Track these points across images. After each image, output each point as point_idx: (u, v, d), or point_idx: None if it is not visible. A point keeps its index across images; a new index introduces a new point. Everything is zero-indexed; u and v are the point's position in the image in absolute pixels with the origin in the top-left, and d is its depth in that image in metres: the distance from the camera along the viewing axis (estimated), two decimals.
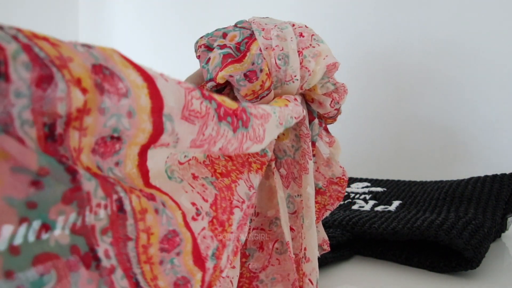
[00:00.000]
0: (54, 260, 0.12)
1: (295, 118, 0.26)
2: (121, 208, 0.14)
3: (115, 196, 0.14)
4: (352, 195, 0.52)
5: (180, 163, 0.19)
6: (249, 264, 0.28)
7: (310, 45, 0.29)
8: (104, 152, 0.13)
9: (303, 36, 0.29)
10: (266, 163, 0.26)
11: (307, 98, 0.31)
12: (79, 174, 0.12)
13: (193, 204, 0.18)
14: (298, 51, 0.28)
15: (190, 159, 0.20)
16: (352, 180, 0.58)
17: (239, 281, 0.28)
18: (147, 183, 0.16)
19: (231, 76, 0.27)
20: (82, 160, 0.13)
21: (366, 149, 0.68)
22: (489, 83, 0.58)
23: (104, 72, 0.12)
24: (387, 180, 0.57)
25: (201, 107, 0.16)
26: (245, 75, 0.27)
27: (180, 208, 0.17)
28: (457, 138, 0.60)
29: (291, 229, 0.29)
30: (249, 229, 0.28)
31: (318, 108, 0.31)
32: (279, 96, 0.28)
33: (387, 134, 0.66)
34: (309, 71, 0.28)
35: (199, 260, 0.18)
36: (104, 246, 0.14)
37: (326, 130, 0.34)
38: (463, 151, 0.60)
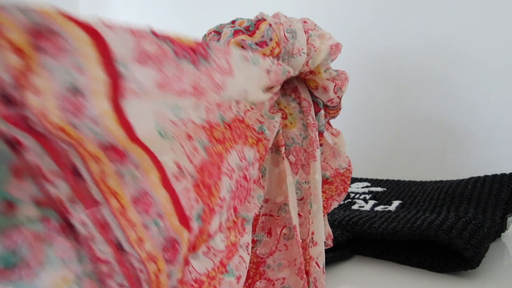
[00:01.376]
0: (24, 232, 0.12)
1: (260, 57, 0.25)
2: (77, 174, 0.14)
3: (69, 164, 0.14)
4: (352, 195, 0.52)
5: (173, 122, 0.18)
6: (257, 249, 0.28)
7: (315, 28, 0.31)
8: (75, 110, 0.13)
9: (307, 23, 0.31)
10: (263, 141, 0.26)
11: (311, 86, 0.32)
12: (22, 145, 0.12)
13: (177, 164, 0.18)
14: (304, 31, 0.30)
15: (184, 120, 0.19)
16: (352, 180, 0.58)
17: None
18: (131, 137, 0.16)
19: (243, 40, 0.28)
20: (53, 121, 0.13)
21: (366, 149, 0.68)
22: (489, 83, 0.58)
23: (42, 32, 0.12)
24: (387, 180, 0.57)
25: (154, 47, 0.16)
26: (255, 43, 0.28)
27: (159, 169, 0.17)
28: (457, 138, 0.60)
29: (299, 215, 0.29)
30: (259, 215, 0.29)
31: (322, 95, 0.32)
32: None
33: (387, 134, 0.66)
34: (314, 47, 0.29)
35: (184, 219, 0.18)
36: (77, 214, 0.14)
37: (329, 123, 0.35)
38: (463, 151, 0.60)
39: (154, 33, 0.17)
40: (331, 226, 0.40)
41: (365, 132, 0.68)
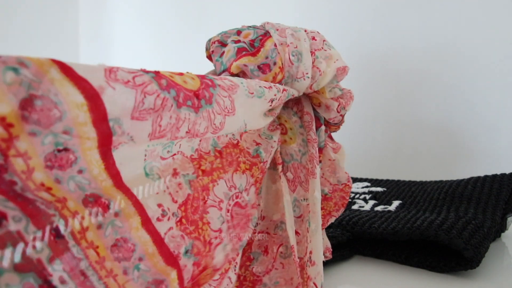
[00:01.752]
0: None
1: (266, 87, 0.25)
2: (58, 235, 0.14)
3: (49, 226, 0.14)
4: (352, 195, 0.52)
5: (163, 158, 0.19)
6: (253, 267, 0.28)
7: (322, 48, 0.29)
8: (61, 165, 0.14)
9: (315, 40, 0.30)
10: (259, 164, 0.26)
11: (314, 102, 0.31)
12: (5, 220, 0.13)
13: (160, 205, 0.18)
14: (310, 51, 0.29)
15: (175, 154, 0.20)
16: (352, 180, 0.58)
17: (242, 285, 0.28)
18: (117, 183, 0.16)
19: (245, 65, 0.27)
20: (35, 178, 0.13)
21: (366, 149, 0.68)
22: (488, 84, 0.58)
23: (34, 104, 0.12)
24: (387, 180, 0.57)
25: (156, 101, 0.16)
26: (258, 67, 0.27)
27: (140, 213, 0.17)
28: (457, 138, 0.60)
29: (297, 233, 0.29)
30: (254, 232, 0.28)
31: (324, 113, 0.31)
32: None
33: (387, 134, 0.67)
34: (320, 71, 0.28)
35: (170, 259, 0.18)
36: (57, 274, 0.14)
37: (330, 137, 0.34)
38: (463, 151, 0.60)
39: (159, 84, 0.17)
40: (331, 227, 0.40)
41: (365, 132, 0.68)
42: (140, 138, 0.16)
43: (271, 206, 0.29)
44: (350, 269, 0.36)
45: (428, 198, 0.46)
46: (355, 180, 0.59)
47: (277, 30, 0.29)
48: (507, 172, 0.45)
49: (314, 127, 0.30)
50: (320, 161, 0.32)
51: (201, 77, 0.20)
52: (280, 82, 0.28)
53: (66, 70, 0.13)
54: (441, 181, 0.51)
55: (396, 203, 0.46)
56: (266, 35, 0.29)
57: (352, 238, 0.39)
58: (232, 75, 0.28)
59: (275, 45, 0.28)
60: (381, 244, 0.38)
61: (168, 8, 1.01)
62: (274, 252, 0.28)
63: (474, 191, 0.43)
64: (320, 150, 0.32)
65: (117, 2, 1.14)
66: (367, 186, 0.54)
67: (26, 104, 0.12)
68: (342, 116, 0.32)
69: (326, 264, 0.36)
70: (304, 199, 0.29)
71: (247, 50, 0.28)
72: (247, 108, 0.23)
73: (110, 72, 0.15)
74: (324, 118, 0.32)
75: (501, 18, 0.57)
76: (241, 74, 0.29)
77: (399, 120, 0.65)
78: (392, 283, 0.33)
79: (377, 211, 0.44)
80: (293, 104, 0.31)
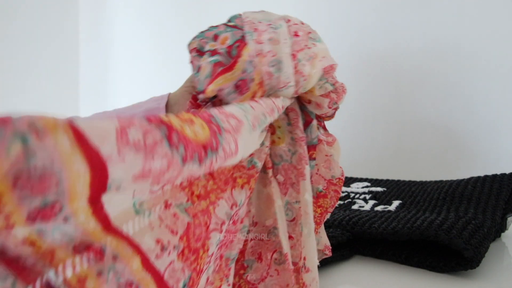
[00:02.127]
0: None
1: (268, 113, 0.24)
2: (49, 287, 0.14)
3: (39, 280, 0.13)
4: (352, 195, 0.52)
5: (152, 192, 0.18)
6: (248, 275, 0.27)
7: (306, 46, 0.27)
8: (45, 216, 0.13)
9: (298, 36, 0.28)
10: (255, 175, 0.25)
11: (303, 100, 0.30)
12: None
13: (158, 241, 0.18)
14: (292, 54, 0.27)
15: (164, 185, 0.19)
16: (352, 180, 0.58)
17: None
18: (107, 227, 0.15)
19: (220, 90, 0.26)
20: (16, 235, 0.12)
21: (366, 149, 0.68)
22: (488, 84, 0.58)
23: (31, 174, 0.12)
24: (387, 180, 0.57)
25: (162, 162, 0.16)
26: (236, 86, 0.26)
27: (139, 252, 0.17)
28: (457, 138, 0.60)
29: (290, 237, 0.28)
30: (247, 239, 0.28)
31: (315, 110, 0.30)
32: None
33: (387, 134, 0.67)
34: (303, 76, 0.27)
35: None
36: None
37: (324, 128, 0.33)
38: (463, 151, 0.60)
39: (170, 142, 0.16)
40: (330, 227, 0.40)
41: (365, 132, 0.68)
42: (133, 190, 0.16)
43: (263, 211, 0.28)
44: (350, 269, 0.36)
45: (428, 198, 0.46)
46: (355, 180, 0.59)
47: (255, 30, 0.27)
48: (507, 172, 0.45)
49: (300, 124, 0.29)
50: (314, 158, 0.31)
51: (209, 124, 0.19)
52: (261, 97, 0.26)
53: (79, 138, 0.12)
54: (441, 181, 0.51)
55: (396, 203, 0.46)
56: (244, 39, 0.27)
57: (352, 238, 0.39)
58: (209, 98, 0.27)
59: (252, 56, 0.26)
60: (381, 244, 0.38)
61: (168, 8, 1.01)
62: (268, 258, 0.28)
63: (474, 191, 0.43)
64: (314, 147, 0.31)
65: (117, 2, 1.14)
66: (367, 186, 0.54)
67: (22, 174, 0.11)
68: (335, 109, 0.31)
69: (326, 264, 0.36)
70: (296, 201, 0.29)
71: (223, 64, 0.26)
72: (248, 141, 0.23)
73: (122, 133, 0.14)
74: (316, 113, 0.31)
75: (501, 18, 0.57)
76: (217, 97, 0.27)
77: (399, 120, 0.65)
78: (392, 283, 0.33)
79: (377, 211, 0.44)
80: None
